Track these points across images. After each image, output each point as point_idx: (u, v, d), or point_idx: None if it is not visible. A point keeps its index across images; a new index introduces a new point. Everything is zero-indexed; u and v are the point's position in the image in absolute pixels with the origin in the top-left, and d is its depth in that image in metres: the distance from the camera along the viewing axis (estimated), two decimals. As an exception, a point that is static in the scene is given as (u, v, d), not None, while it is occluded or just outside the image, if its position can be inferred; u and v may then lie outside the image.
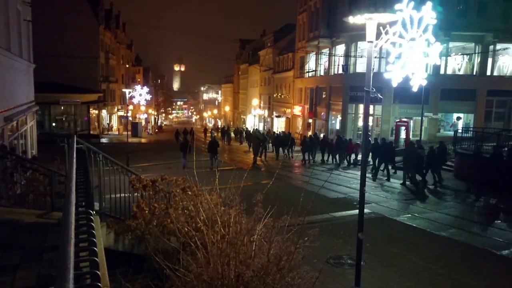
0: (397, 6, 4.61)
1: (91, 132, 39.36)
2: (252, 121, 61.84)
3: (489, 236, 10.55)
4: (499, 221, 12.07)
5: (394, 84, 4.88)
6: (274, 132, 38.77)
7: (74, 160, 3.09)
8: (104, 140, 39.15)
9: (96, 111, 43.90)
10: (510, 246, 9.76)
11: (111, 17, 52.23)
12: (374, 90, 4.85)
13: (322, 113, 36.38)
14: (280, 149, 26.60)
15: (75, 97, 37.27)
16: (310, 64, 40.80)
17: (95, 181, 6.65)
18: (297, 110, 43.18)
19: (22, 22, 14.27)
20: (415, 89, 4.95)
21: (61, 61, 36.98)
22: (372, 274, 7.99)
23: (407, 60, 4.76)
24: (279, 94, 50.65)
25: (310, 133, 35.19)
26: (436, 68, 29.31)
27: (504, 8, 28.53)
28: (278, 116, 51.25)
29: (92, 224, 2.35)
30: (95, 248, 2.00)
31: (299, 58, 43.24)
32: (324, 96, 36.42)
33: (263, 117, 58.56)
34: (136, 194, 7.32)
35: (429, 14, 4.73)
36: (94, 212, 3.15)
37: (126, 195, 7.48)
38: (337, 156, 23.86)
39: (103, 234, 5.92)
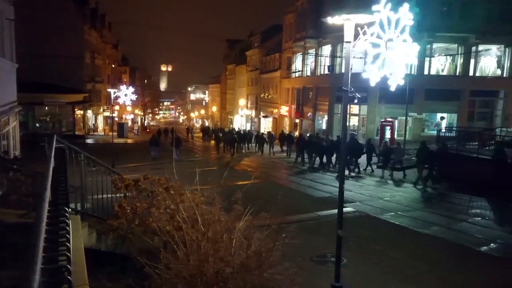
0: (374, 7, 4.71)
1: (76, 132, 38.89)
2: (240, 121, 61.85)
3: (471, 233, 10.76)
4: (479, 218, 12.33)
5: (372, 83, 4.98)
6: (258, 131, 40.26)
7: (52, 159, 3.10)
8: (89, 141, 38.76)
9: (82, 112, 43.41)
10: (489, 243, 10.00)
11: (97, 16, 51.68)
12: (353, 89, 4.94)
13: (309, 113, 36.61)
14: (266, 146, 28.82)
15: (60, 97, 36.80)
16: (297, 64, 41.02)
17: (77, 182, 6.63)
18: (284, 110, 43.36)
19: (4, 21, 14.07)
20: (392, 88, 5.06)
21: (45, 60, 36.41)
22: (355, 272, 8.10)
23: (385, 60, 4.86)
24: (266, 94, 50.79)
25: (297, 133, 35.46)
26: (420, 68, 29.77)
27: (486, 10, 29.07)
28: (265, 116, 51.39)
29: (67, 220, 2.37)
30: (68, 244, 2.03)
31: (286, 59, 43.43)
32: (310, 96, 36.65)
33: (250, 117, 58.62)
34: (119, 194, 7.31)
35: (406, 16, 4.83)
36: (70, 210, 3.16)
37: (109, 195, 7.47)
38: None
39: (84, 234, 5.90)
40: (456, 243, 9.93)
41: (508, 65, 30.71)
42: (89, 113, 47.73)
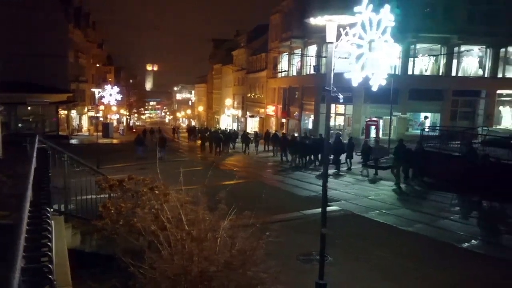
0: (356, 9, 4.78)
1: (60, 133, 38.35)
2: (226, 121, 61.77)
3: (452, 230, 10.97)
4: (460, 216, 12.60)
5: (355, 84, 5.06)
6: (245, 130, 40.32)
7: (34, 159, 3.07)
8: (74, 141, 38.26)
9: (66, 112, 42.85)
10: (470, 239, 10.23)
11: (81, 15, 51.03)
12: (335, 89, 5.02)
13: (295, 113, 36.78)
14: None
15: (43, 97, 36.19)
16: (283, 64, 41.17)
17: (61, 182, 6.56)
18: (270, 110, 43.48)
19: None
20: (374, 88, 5.15)
21: (28, 60, 35.82)
22: (341, 270, 8.17)
23: (367, 61, 4.94)
24: (253, 94, 50.85)
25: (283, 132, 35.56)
26: (404, 68, 30.20)
27: (468, 11, 29.66)
28: (251, 116, 51.44)
29: (49, 221, 2.37)
30: (50, 244, 2.03)
31: (272, 58, 43.55)
32: (297, 96, 36.82)
33: (237, 117, 58.60)
34: (104, 195, 7.27)
35: (387, 17, 4.92)
36: (53, 210, 3.15)
37: (94, 196, 7.41)
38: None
39: (68, 235, 5.85)
40: (439, 240, 10.11)
41: (490, 65, 31.35)
42: (73, 113, 47.14)
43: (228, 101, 60.41)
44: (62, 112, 41.33)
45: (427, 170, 17.15)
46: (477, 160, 14.23)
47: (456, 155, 16.40)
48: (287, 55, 39.72)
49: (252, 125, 50.12)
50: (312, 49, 34.42)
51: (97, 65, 61.01)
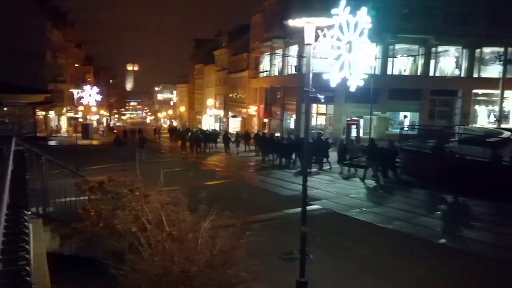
0: (333, 11, 4.88)
1: (38, 134, 37.57)
2: (208, 121, 61.56)
3: (430, 227, 11.25)
4: (437, 212, 12.92)
5: (333, 84, 5.15)
6: (226, 130, 40.53)
7: (11, 161, 3.04)
8: (52, 143, 37.55)
9: (43, 113, 42.00)
10: (446, 235, 10.53)
11: (60, 14, 50.08)
12: (314, 90, 5.10)
13: (277, 113, 36.93)
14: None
15: (20, 98, 35.34)
16: (265, 64, 41.28)
17: (39, 185, 6.46)
18: (252, 110, 43.54)
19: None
20: (352, 89, 5.26)
21: (4, 59, 34.97)
22: (322, 267, 8.25)
23: (345, 62, 5.04)
24: (235, 94, 50.81)
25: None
26: (384, 69, 30.71)
27: (445, 13, 30.37)
28: (234, 116, 51.39)
29: (26, 223, 2.35)
30: (27, 247, 2.02)
31: (254, 59, 43.62)
32: (278, 96, 36.97)
33: (219, 117, 58.47)
34: (83, 197, 7.19)
35: (364, 19, 5.04)
36: (30, 213, 3.12)
37: (73, 198, 7.32)
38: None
39: (47, 238, 5.78)
40: (418, 237, 10.35)
41: (466, 65, 32.17)
42: (52, 114, 46.26)
43: (210, 101, 60.22)
44: (40, 113, 40.50)
45: (406, 168, 17.51)
46: (443, 157, 14.70)
47: (429, 153, 16.87)
48: (269, 55, 39.84)
49: (235, 125, 50.08)
50: (294, 49, 34.61)
51: (76, 65, 59.97)
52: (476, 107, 33.27)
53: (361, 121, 30.01)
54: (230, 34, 55.66)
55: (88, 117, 59.68)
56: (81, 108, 49.40)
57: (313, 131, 31.89)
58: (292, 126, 34.56)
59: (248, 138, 29.68)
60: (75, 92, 31.06)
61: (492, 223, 12.00)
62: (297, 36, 31.72)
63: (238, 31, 53.54)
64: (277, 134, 31.03)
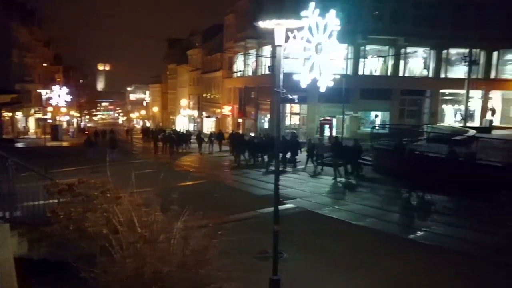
0: (303, 13, 4.98)
1: (4, 136, 36.38)
2: (182, 122, 61.03)
3: (399, 223, 11.60)
4: (405, 208, 13.32)
5: (303, 85, 5.25)
6: (200, 131, 40.53)
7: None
8: (20, 145, 36.39)
9: (10, 114, 40.70)
10: (415, 231, 10.89)
11: (26, 12, 48.49)
12: (285, 90, 5.19)
13: (252, 113, 37.01)
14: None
15: (-16, 98, 34.09)
16: (239, 64, 41.28)
17: (5, 188, 6.29)
18: (226, 110, 43.47)
19: None
20: (322, 90, 5.37)
21: (-34, 59, 33.67)
22: (296, 265, 8.34)
23: (315, 63, 5.15)
24: (209, 94, 50.57)
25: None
26: (355, 69, 31.29)
27: (414, 15, 31.26)
28: (208, 116, 51.15)
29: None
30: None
31: (228, 58, 43.55)
32: (253, 96, 37.06)
33: (193, 117, 58.06)
34: (53, 200, 7.03)
35: (333, 21, 5.16)
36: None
37: (42, 202, 7.15)
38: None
39: (14, 243, 5.63)
40: (388, 232, 10.64)
41: (433, 66, 33.23)
42: (19, 115, 44.92)
43: (184, 102, 59.73)
44: (6, 114, 39.30)
45: (377, 166, 17.96)
46: (404, 153, 15.25)
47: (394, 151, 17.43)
48: (243, 55, 39.88)
49: (209, 126, 49.85)
50: (267, 50, 34.76)
51: (44, 65, 58.28)
52: (444, 106, 34.43)
53: (334, 121, 30.45)
54: (203, 33, 55.33)
55: (57, 118, 58.14)
56: (50, 108, 48.11)
57: (287, 130, 32.22)
58: (266, 126, 34.72)
59: (221, 138, 29.68)
60: (44, 92, 30.22)
61: (452, 217, 12.45)
62: (270, 36, 31.23)
63: (212, 30, 53.31)
64: (252, 134, 31.15)
